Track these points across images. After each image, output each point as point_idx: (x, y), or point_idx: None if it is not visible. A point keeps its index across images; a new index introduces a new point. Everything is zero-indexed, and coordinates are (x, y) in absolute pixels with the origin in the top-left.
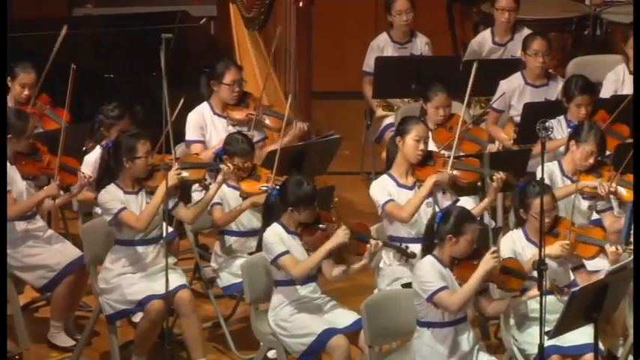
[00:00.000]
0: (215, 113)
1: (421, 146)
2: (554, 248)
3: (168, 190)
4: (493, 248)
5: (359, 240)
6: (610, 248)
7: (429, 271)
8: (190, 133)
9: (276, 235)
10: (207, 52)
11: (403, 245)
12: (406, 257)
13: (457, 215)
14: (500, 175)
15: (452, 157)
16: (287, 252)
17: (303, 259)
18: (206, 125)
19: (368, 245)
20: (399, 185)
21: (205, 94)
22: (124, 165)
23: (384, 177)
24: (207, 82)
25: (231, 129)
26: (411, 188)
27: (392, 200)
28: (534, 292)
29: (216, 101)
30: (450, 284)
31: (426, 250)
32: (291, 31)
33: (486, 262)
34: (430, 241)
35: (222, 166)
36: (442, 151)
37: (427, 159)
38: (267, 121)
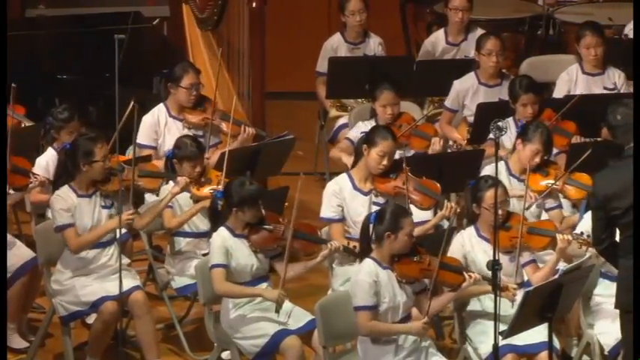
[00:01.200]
0: (171, 115)
1: (384, 162)
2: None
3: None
4: (425, 320)
5: (306, 240)
6: (560, 236)
7: (361, 283)
8: (142, 137)
9: (221, 242)
10: (160, 53)
11: (351, 245)
12: (355, 257)
13: (392, 212)
14: (451, 205)
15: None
16: (221, 265)
17: (233, 285)
18: (160, 128)
19: (323, 246)
20: (355, 188)
21: (162, 95)
22: (80, 168)
23: (343, 176)
24: (165, 84)
25: (187, 132)
26: (365, 194)
27: (335, 220)
28: (467, 283)
29: (173, 103)
30: (387, 286)
31: (363, 254)
32: (244, 32)
33: (415, 327)
34: (366, 243)
35: (179, 178)
36: (398, 153)
37: (390, 171)
38: (222, 126)
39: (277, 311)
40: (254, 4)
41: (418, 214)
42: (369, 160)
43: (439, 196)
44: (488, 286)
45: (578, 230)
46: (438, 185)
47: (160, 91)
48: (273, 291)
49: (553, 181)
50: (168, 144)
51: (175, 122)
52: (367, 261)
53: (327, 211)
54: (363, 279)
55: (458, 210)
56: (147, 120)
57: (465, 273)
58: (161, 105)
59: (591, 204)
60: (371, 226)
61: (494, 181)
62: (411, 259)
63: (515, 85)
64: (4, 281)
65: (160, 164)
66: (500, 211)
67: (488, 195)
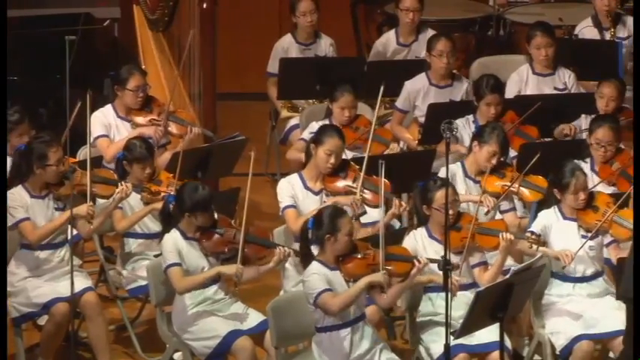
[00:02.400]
0: (119, 116)
1: (332, 160)
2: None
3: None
4: (385, 271)
5: (257, 244)
6: (502, 235)
7: (313, 277)
8: (96, 130)
9: (172, 244)
10: (111, 55)
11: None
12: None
13: (329, 214)
14: (400, 203)
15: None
16: (177, 264)
17: (188, 277)
18: (110, 127)
19: (276, 250)
20: (306, 187)
21: (110, 97)
22: (34, 170)
23: (294, 176)
24: (112, 86)
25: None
26: (317, 194)
27: (293, 207)
28: (416, 269)
29: (120, 105)
30: (339, 286)
31: (304, 260)
32: (195, 33)
33: (376, 276)
34: (306, 249)
35: (119, 185)
36: (350, 153)
37: (339, 169)
38: (171, 128)
39: (236, 285)
40: (205, 5)
41: (372, 214)
42: (318, 159)
43: (389, 194)
44: (436, 275)
45: (533, 228)
46: (389, 183)
47: (107, 93)
48: (230, 266)
49: (509, 184)
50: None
51: (124, 123)
52: (314, 263)
53: (284, 201)
54: (315, 275)
55: (407, 207)
56: (96, 115)
57: (414, 260)
58: (108, 106)
59: None
60: (310, 231)
61: (444, 182)
62: (356, 257)
63: (482, 84)
64: (4, 282)
65: (115, 149)
66: (450, 211)
67: (439, 196)
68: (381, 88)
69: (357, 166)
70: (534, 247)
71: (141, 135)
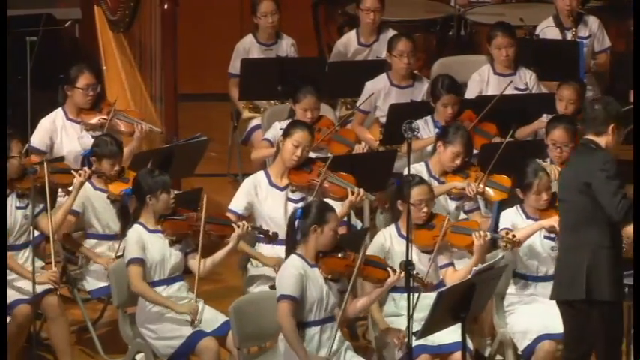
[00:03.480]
0: (68, 119)
1: (298, 152)
2: None
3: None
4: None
5: (219, 224)
6: (475, 234)
7: (288, 274)
8: (35, 141)
9: (137, 237)
10: (72, 56)
11: (267, 249)
12: (267, 238)
13: (318, 206)
14: (358, 191)
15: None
16: (139, 260)
17: (148, 288)
18: (57, 132)
19: (234, 227)
20: (271, 184)
21: (60, 99)
22: None
23: (259, 173)
24: (62, 87)
25: (85, 134)
26: (281, 190)
27: (234, 212)
28: (392, 278)
29: (71, 106)
30: (314, 284)
31: (289, 250)
32: (156, 34)
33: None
34: (292, 239)
35: (75, 175)
36: (313, 154)
37: (304, 165)
38: (120, 127)
39: (192, 324)
40: (166, 6)
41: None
42: (284, 151)
43: (353, 187)
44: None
45: (502, 227)
46: (352, 178)
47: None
48: (183, 305)
49: (474, 184)
50: (66, 148)
51: (73, 125)
52: (293, 256)
53: (234, 203)
54: (291, 270)
55: (363, 195)
56: (44, 124)
57: (388, 268)
58: (59, 109)
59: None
60: (297, 222)
61: (421, 179)
62: (336, 255)
63: (438, 85)
64: (4, 282)
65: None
66: (425, 209)
67: (415, 192)
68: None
69: (322, 163)
70: (509, 246)
71: None
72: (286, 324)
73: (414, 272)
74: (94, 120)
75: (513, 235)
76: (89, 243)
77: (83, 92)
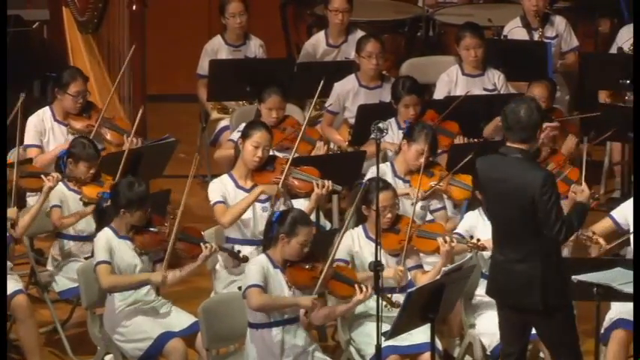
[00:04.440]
0: (56, 120)
1: (259, 153)
2: (389, 272)
3: None
4: (315, 296)
5: (189, 243)
6: (440, 240)
7: (252, 268)
8: (29, 138)
9: (105, 241)
10: (40, 57)
11: (236, 249)
12: (238, 261)
13: (293, 217)
14: (324, 183)
15: (288, 165)
16: (106, 261)
17: (116, 275)
18: (45, 130)
19: (202, 248)
20: (238, 187)
21: (49, 99)
22: None
23: (224, 177)
24: (52, 87)
25: (71, 137)
26: (248, 191)
27: (222, 202)
28: (359, 297)
29: (59, 108)
30: (277, 285)
31: (265, 248)
32: (124, 35)
33: (304, 299)
34: (268, 236)
35: (52, 174)
36: (279, 154)
37: (267, 164)
38: (107, 136)
39: (158, 294)
40: (134, 7)
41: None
42: (245, 153)
43: (318, 179)
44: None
45: (460, 230)
46: (317, 171)
47: (47, 94)
48: (157, 274)
49: (437, 182)
50: (52, 147)
51: (60, 127)
52: (261, 255)
53: (214, 198)
54: (255, 266)
55: (330, 187)
56: (32, 121)
57: (356, 286)
58: (46, 108)
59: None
60: (273, 223)
61: (386, 184)
62: (303, 267)
63: (398, 86)
64: (4, 281)
65: (45, 160)
66: (389, 214)
67: (380, 198)
68: (320, 85)
69: (285, 160)
70: (474, 251)
71: None
72: (262, 301)
73: (387, 295)
74: (82, 125)
75: (478, 240)
76: (61, 243)
77: (73, 99)
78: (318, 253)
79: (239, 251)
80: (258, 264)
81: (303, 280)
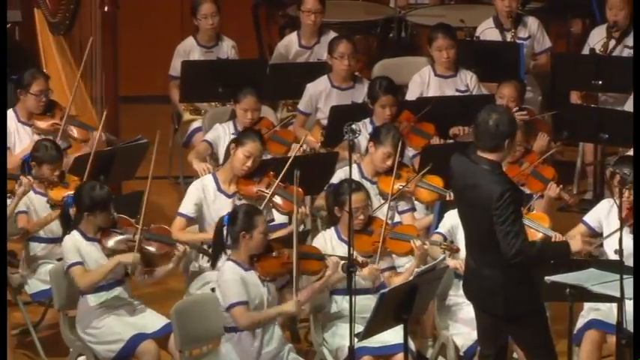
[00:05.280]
0: (20, 121)
1: (249, 163)
2: (365, 271)
3: None
4: (297, 298)
5: (158, 242)
6: (415, 243)
7: (229, 281)
8: None
9: (73, 244)
10: (12, 58)
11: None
12: (207, 256)
13: (245, 211)
14: (303, 212)
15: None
16: (79, 263)
17: (91, 270)
18: (11, 135)
19: (175, 250)
20: (219, 190)
21: (12, 101)
22: None
23: (208, 177)
24: (15, 89)
25: (37, 138)
26: (229, 196)
27: (186, 217)
28: (331, 269)
29: (22, 109)
30: (254, 287)
31: (215, 256)
32: (96, 36)
33: (289, 306)
34: (219, 246)
35: (21, 177)
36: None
37: (254, 174)
38: (73, 132)
39: (132, 273)
40: (106, 8)
41: (278, 219)
42: (235, 159)
43: (300, 203)
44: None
45: (441, 229)
46: (302, 191)
47: (10, 97)
48: (128, 255)
49: (405, 184)
50: (18, 149)
51: (25, 128)
52: (228, 263)
53: (184, 207)
54: (230, 277)
55: (308, 215)
56: None
57: (326, 258)
58: (10, 110)
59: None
60: (225, 228)
61: (358, 185)
62: (270, 256)
63: (375, 86)
64: (4, 279)
65: (12, 162)
66: (361, 216)
67: (352, 199)
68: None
69: (273, 173)
70: (447, 253)
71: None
72: (250, 320)
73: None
74: (46, 124)
75: (452, 242)
76: (31, 246)
77: (36, 98)
78: (277, 240)
79: (208, 247)
80: (231, 275)
81: (274, 269)
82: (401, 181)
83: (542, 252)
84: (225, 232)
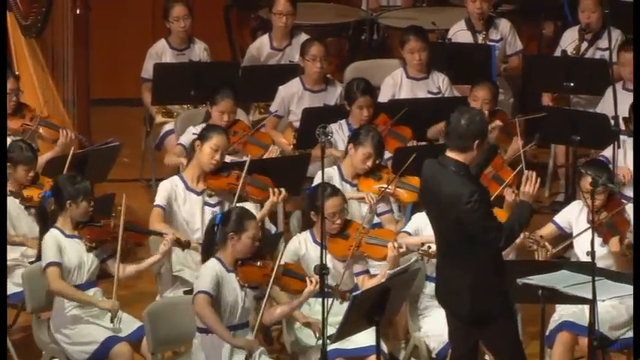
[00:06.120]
0: None
1: (217, 156)
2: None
3: None
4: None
5: (137, 232)
6: (390, 245)
7: (204, 274)
8: None
9: (54, 241)
10: None
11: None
12: (182, 247)
13: (238, 213)
14: (278, 190)
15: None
16: (57, 263)
17: (67, 285)
18: None
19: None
20: (188, 188)
21: None
22: None
23: (175, 178)
24: None
25: (7, 139)
26: (199, 194)
27: (162, 208)
28: (310, 288)
29: None
30: (230, 290)
31: (206, 254)
32: (68, 39)
33: (246, 342)
34: (209, 244)
35: None
36: (229, 157)
37: (222, 169)
38: (42, 132)
39: (112, 321)
40: (78, 11)
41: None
42: (202, 155)
43: (273, 188)
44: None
45: (408, 229)
46: (270, 180)
47: None
48: (107, 301)
49: (385, 185)
50: None
51: None
52: (212, 259)
53: (159, 199)
54: (208, 270)
55: (285, 195)
56: None
57: (307, 279)
58: None
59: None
60: (216, 227)
61: (334, 190)
62: (254, 264)
63: (352, 88)
64: (4, 282)
65: None
66: (338, 220)
67: (328, 204)
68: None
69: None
70: (425, 259)
71: None
72: (206, 313)
73: (331, 282)
74: (17, 125)
75: (429, 247)
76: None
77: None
78: (266, 251)
79: (187, 241)
80: (212, 269)
81: (255, 278)
82: (380, 182)
83: (521, 223)
84: (215, 230)
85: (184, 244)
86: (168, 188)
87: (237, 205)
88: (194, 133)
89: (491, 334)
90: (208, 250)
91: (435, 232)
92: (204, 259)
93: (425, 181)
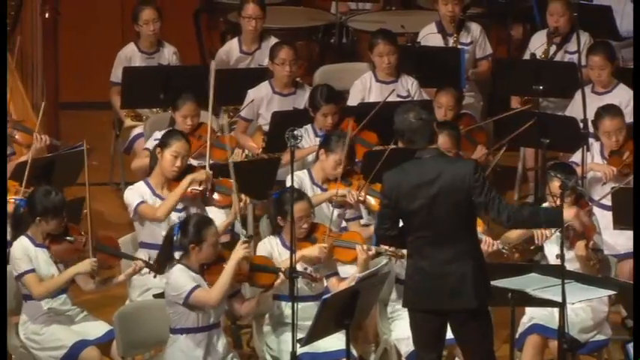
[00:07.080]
0: None
1: (177, 163)
2: (313, 250)
3: None
4: (243, 239)
5: (108, 254)
6: (359, 247)
7: (180, 277)
8: None
9: (23, 251)
10: None
11: (149, 254)
12: (154, 272)
13: (195, 224)
14: (243, 198)
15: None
16: (32, 270)
17: (46, 281)
18: None
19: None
20: (155, 194)
21: None
22: None
23: (140, 184)
24: None
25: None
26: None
27: (144, 202)
28: (280, 279)
29: None
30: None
31: (163, 263)
32: (37, 42)
33: (237, 252)
34: (167, 254)
35: None
36: (194, 161)
37: (185, 174)
38: (16, 136)
39: (73, 303)
40: (47, 15)
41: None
42: (163, 162)
43: (235, 193)
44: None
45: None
46: (233, 183)
47: None
48: (84, 263)
49: (355, 194)
50: None
51: None
52: (178, 265)
53: (134, 200)
54: (180, 273)
55: (248, 202)
56: None
57: (279, 271)
58: None
59: (382, 200)
60: (174, 236)
61: (300, 195)
62: (220, 266)
63: (316, 95)
64: (4, 282)
65: None
66: (305, 224)
67: (295, 208)
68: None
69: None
70: (393, 260)
71: None
72: (213, 300)
73: (301, 286)
74: None
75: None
76: None
77: None
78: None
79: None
80: (183, 272)
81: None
82: (351, 189)
83: (535, 215)
84: (174, 240)
85: (156, 270)
86: (136, 192)
87: (194, 213)
88: (156, 139)
89: (476, 330)
90: (165, 258)
91: (424, 230)
92: (162, 269)
93: (408, 182)
